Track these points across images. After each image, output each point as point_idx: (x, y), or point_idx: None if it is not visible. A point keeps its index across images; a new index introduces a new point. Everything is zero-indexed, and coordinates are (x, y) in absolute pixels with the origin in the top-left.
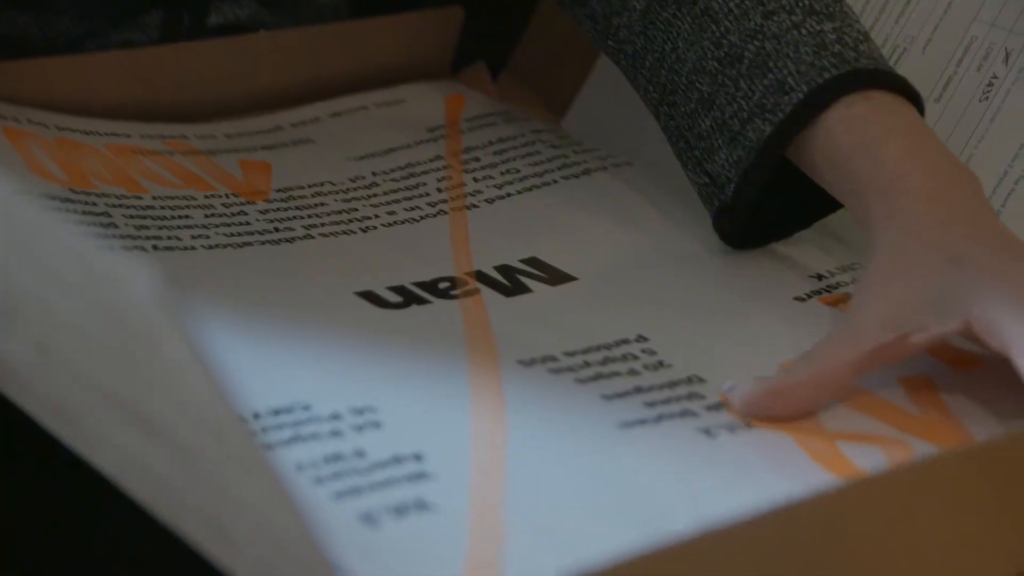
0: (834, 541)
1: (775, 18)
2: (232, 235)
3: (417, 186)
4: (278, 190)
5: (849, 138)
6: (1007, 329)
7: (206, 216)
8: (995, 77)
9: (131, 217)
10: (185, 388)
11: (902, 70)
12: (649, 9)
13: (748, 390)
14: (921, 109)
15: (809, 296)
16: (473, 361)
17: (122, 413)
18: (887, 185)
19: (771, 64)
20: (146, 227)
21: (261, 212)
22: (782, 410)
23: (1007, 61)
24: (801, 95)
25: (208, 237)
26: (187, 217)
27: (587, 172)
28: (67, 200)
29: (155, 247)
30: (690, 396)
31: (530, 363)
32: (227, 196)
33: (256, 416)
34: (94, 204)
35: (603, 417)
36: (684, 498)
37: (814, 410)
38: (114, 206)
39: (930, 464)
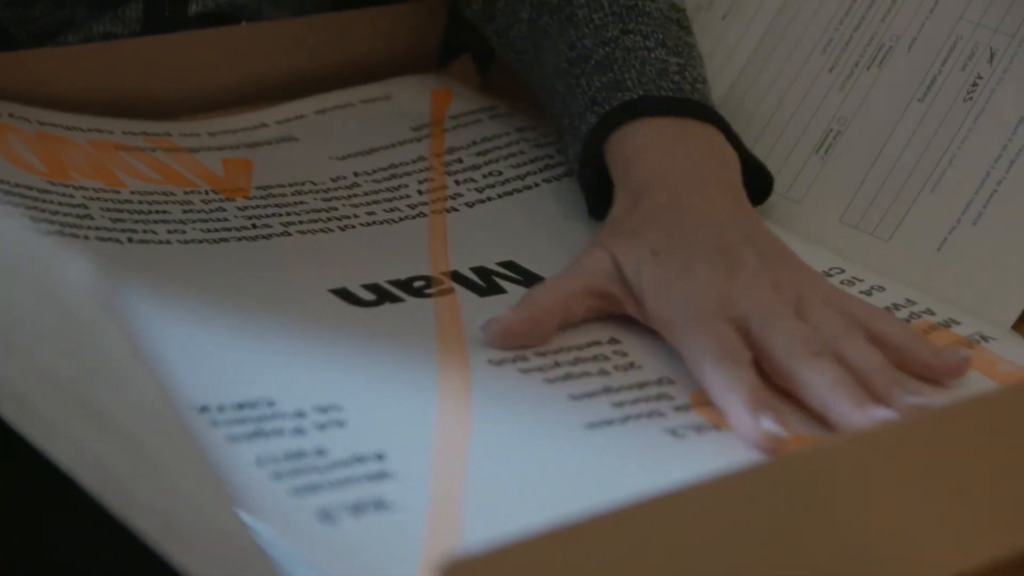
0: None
1: (631, 37)
2: (209, 231)
3: (398, 187)
4: (259, 187)
5: (632, 145)
6: (678, 334)
7: (184, 212)
8: (979, 77)
9: (108, 210)
10: (128, 382)
11: (887, 69)
12: (531, 18)
13: (507, 320)
14: (739, 145)
15: None
16: (442, 360)
17: (75, 406)
18: (636, 190)
19: (615, 67)
20: (122, 220)
21: (240, 209)
22: (536, 339)
23: (992, 61)
24: (631, 96)
25: (184, 232)
26: (164, 212)
27: (569, 174)
28: (45, 191)
29: (130, 239)
30: (659, 397)
31: (500, 362)
32: (207, 193)
33: (220, 409)
34: (71, 196)
35: (569, 417)
36: None
37: (550, 337)
38: (92, 199)
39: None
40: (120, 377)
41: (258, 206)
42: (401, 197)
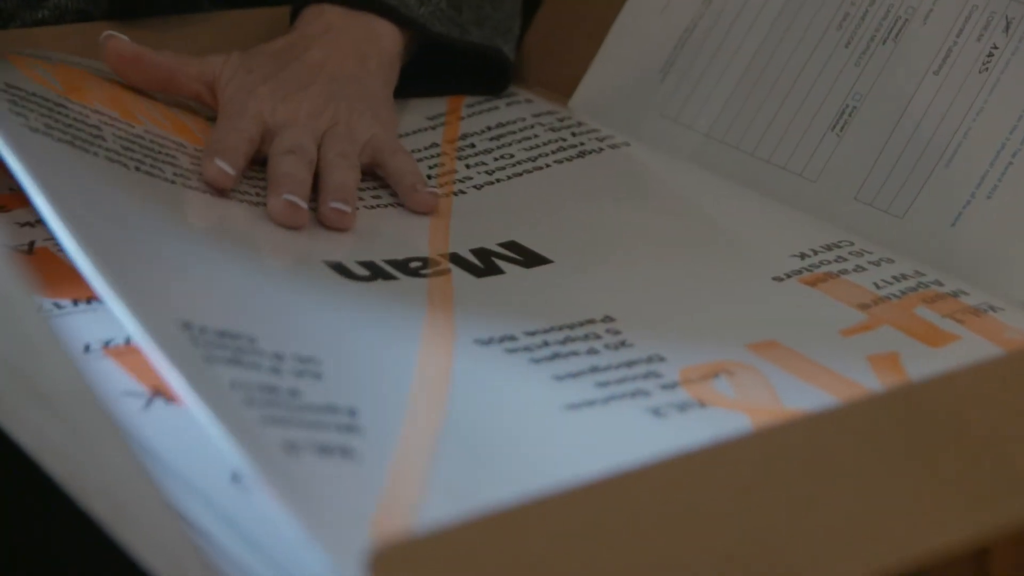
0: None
1: None
2: (211, 186)
3: None
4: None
5: (305, 16)
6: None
7: (192, 164)
8: (995, 47)
9: (120, 138)
10: (52, 363)
11: (903, 42)
12: None
13: (122, 42)
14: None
15: (788, 276)
16: (427, 337)
17: (27, 390)
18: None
19: None
20: (132, 150)
21: (247, 178)
22: (135, 74)
23: (1007, 30)
24: None
25: (189, 180)
26: (173, 158)
27: (582, 155)
28: (60, 105)
29: (137, 168)
30: (647, 375)
31: (487, 342)
32: None
33: (202, 330)
34: (87, 116)
35: (549, 398)
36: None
37: (153, 86)
38: (106, 123)
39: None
40: (51, 364)
41: (264, 179)
42: None
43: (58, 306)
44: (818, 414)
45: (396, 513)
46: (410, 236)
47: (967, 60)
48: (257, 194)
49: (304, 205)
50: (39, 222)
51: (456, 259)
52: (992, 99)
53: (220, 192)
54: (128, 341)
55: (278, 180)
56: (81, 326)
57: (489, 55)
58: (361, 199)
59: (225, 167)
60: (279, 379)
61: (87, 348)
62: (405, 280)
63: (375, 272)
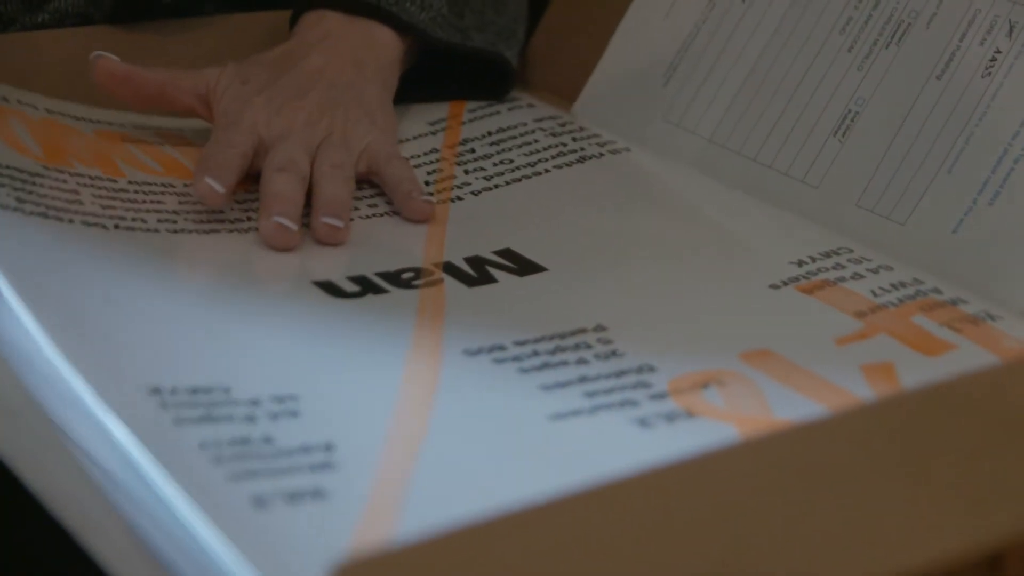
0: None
1: None
2: (200, 221)
3: None
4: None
5: (304, 23)
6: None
7: (179, 203)
8: (998, 51)
9: (99, 197)
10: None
11: (906, 47)
12: None
13: (112, 61)
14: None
15: (785, 283)
16: (414, 351)
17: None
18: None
19: None
20: (112, 207)
21: (238, 202)
22: (124, 91)
23: (1011, 34)
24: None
25: (175, 222)
26: (159, 203)
27: (581, 160)
28: (37, 175)
29: (116, 226)
30: (636, 385)
31: (476, 352)
32: None
33: (173, 391)
34: (64, 181)
35: (535, 409)
36: None
37: (145, 103)
38: (85, 185)
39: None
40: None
41: (257, 199)
42: None
43: None
44: (806, 424)
45: (370, 546)
46: (405, 245)
47: (970, 65)
48: (249, 219)
49: (294, 227)
50: None
51: (449, 268)
52: (995, 104)
53: (213, 206)
54: None
55: (269, 200)
56: None
57: (491, 60)
58: (357, 208)
59: (215, 185)
60: (252, 428)
61: None
62: (396, 293)
63: (365, 287)
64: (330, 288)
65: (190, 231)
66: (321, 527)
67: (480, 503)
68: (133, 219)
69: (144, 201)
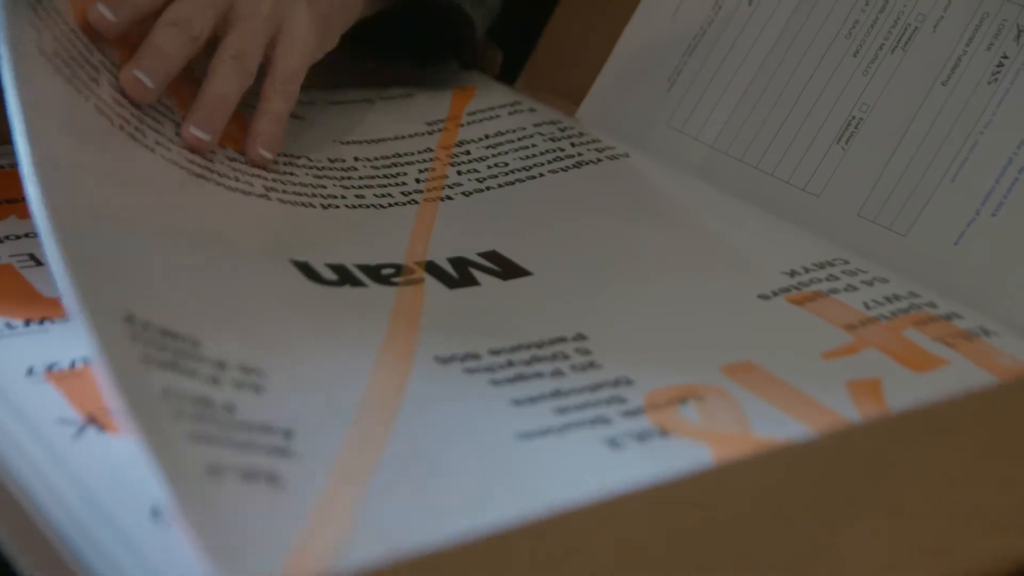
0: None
1: None
2: (191, 162)
3: (396, 175)
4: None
5: None
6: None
7: (176, 132)
8: (1005, 57)
9: (115, 88)
10: None
11: (912, 51)
12: None
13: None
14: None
15: (775, 294)
16: (384, 353)
17: None
18: None
19: None
20: (122, 104)
21: (229, 158)
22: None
23: (1018, 39)
24: None
25: (169, 151)
26: (159, 123)
27: (578, 165)
28: (73, 32)
29: (121, 128)
30: (610, 400)
31: (448, 360)
32: None
33: (145, 326)
34: (91, 55)
35: (503, 426)
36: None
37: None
38: (105, 67)
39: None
40: None
41: (245, 161)
42: (396, 184)
43: (9, 326)
44: (775, 448)
45: (316, 549)
46: (389, 240)
47: (976, 70)
48: (236, 179)
49: (153, 86)
50: (7, 238)
51: (431, 268)
52: (1001, 111)
53: (199, 152)
54: (72, 365)
55: (143, 50)
56: (28, 347)
57: (448, 8)
58: (344, 198)
59: (141, 76)
60: (216, 390)
61: (30, 371)
62: (374, 288)
63: (344, 277)
64: (307, 270)
65: (181, 167)
66: (269, 517)
67: (439, 524)
68: (135, 128)
69: (147, 115)
